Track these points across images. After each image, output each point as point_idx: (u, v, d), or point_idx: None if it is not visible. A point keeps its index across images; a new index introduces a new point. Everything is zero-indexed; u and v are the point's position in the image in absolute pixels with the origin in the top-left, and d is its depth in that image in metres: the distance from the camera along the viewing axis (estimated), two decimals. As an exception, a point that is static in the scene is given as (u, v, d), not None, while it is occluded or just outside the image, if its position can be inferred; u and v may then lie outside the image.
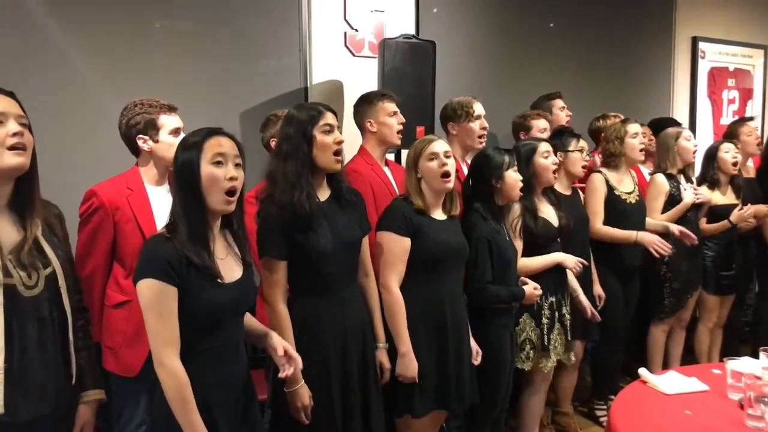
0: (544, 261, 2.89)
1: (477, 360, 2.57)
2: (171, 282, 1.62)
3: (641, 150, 3.50)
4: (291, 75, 3.55)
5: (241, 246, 1.83)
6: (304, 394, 2.04)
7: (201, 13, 3.28)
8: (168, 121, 2.33)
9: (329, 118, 2.11)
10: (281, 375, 1.85)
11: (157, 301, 1.61)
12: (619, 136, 3.44)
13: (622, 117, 3.85)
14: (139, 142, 2.31)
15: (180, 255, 1.63)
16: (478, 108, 3.15)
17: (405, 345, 2.33)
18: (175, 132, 2.33)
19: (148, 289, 1.62)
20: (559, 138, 3.24)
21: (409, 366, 2.33)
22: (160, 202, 2.26)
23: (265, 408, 2.48)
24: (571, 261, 2.90)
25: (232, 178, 1.70)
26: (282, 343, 1.86)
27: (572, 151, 3.18)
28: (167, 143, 2.29)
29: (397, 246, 2.35)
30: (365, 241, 2.31)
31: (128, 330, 2.24)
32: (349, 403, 2.14)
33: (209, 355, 1.71)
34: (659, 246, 3.27)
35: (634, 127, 3.47)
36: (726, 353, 3.86)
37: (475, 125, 3.12)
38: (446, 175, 2.41)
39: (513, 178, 2.71)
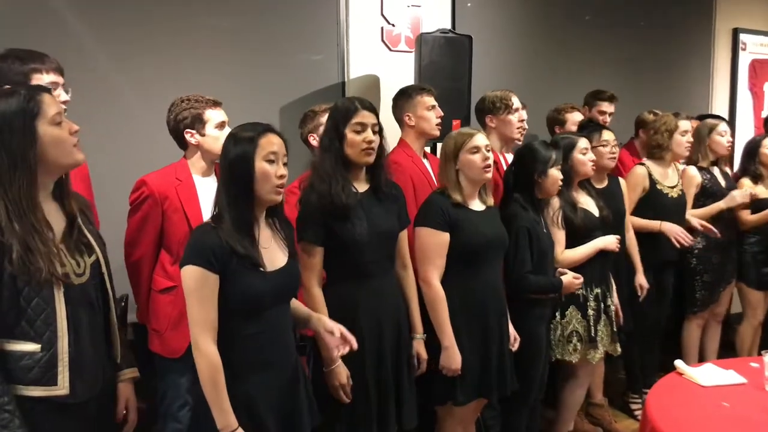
0: (586, 250, 2.90)
1: (515, 346, 2.60)
2: (213, 269, 1.69)
3: (687, 147, 3.48)
4: (328, 70, 3.61)
5: (287, 235, 1.91)
6: (342, 372, 2.11)
7: (240, 9, 3.34)
8: (213, 116, 2.42)
9: (362, 116, 2.16)
10: (337, 354, 1.93)
11: (198, 287, 1.69)
12: (669, 129, 3.42)
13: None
14: (187, 136, 2.41)
15: (224, 244, 1.70)
16: (516, 101, 3.17)
17: (448, 338, 2.37)
18: (221, 125, 2.42)
19: (191, 275, 1.70)
20: (584, 132, 3.24)
21: (453, 359, 2.37)
22: (207, 193, 2.34)
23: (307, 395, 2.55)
24: (611, 241, 2.92)
25: (282, 176, 1.78)
26: (337, 325, 1.93)
27: (596, 146, 3.17)
28: (213, 136, 2.40)
29: (436, 241, 2.39)
30: (404, 233, 2.35)
31: (173, 314, 2.34)
32: (383, 388, 2.20)
33: (251, 340, 1.77)
34: (681, 237, 3.30)
35: (685, 124, 3.47)
36: (764, 348, 3.83)
37: (514, 117, 3.15)
38: (488, 167, 2.45)
39: (555, 175, 2.73)
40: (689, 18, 5.06)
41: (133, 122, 3.05)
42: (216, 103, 2.45)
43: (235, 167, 1.75)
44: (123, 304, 2.43)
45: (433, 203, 2.44)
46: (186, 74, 3.13)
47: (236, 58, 3.32)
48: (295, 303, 2.00)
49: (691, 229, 3.44)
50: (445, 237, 2.39)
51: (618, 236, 2.98)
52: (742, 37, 5.32)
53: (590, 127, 3.27)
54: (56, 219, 1.65)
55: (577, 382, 3.08)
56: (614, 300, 3.06)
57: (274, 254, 1.84)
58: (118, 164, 2.76)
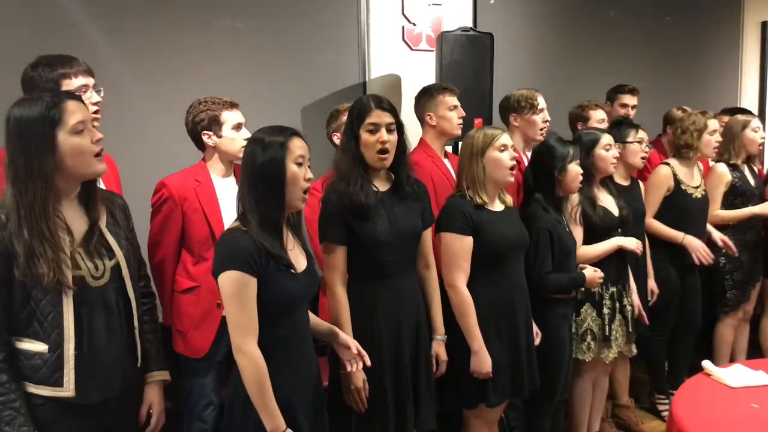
0: (604, 247, 2.86)
1: (537, 340, 2.58)
2: (252, 273, 1.70)
3: (715, 148, 3.43)
4: (350, 69, 3.62)
5: (301, 238, 1.93)
6: (358, 376, 2.09)
7: (259, 11, 3.37)
8: (230, 117, 2.43)
9: (376, 116, 2.13)
10: (349, 370, 1.96)
11: (238, 291, 1.69)
12: (698, 129, 3.35)
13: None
14: (204, 138, 2.43)
15: (258, 246, 1.71)
16: (542, 101, 3.14)
17: (477, 342, 2.35)
18: (237, 127, 2.44)
19: (230, 280, 1.69)
20: (618, 129, 3.20)
21: (484, 363, 2.36)
22: (226, 194, 2.37)
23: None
24: (632, 243, 2.88)
25: (309, 179, 1.81)
26: (353, 341, 1.96)
27: (631, 142, 3.13)
28: (230, 138, 2.42)
29: (460, 245, 2.37)
30: (427, 233, 2.33)
31: (196, 314, 2.36)
32: (400, 388, 2.19)
33: (286, 342, 1.80)
34: (702, 254, 3.27)
35: (713, 123, 3.41)
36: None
37: (539, 118, 3.12)
38: (513, 168, 2.43)
39: (575, 171, 2.70)
40: (717, 12, 4.97)
41: (154, 125, 3.09)
42: (233, 105, 2.47)
43: (266, 171, 1.76)
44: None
45: (454, 207, 2.42)
46: (206, 76, 3.16)
47: (257, 60, 3.35)
48: (312, 317, 2.01)
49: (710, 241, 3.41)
50: (469, 241, 2.38)
51: (638, 240, 2.93)
52: (772, 30, 5.22)
53: (625, 124, 3.23)
54: (78, 222, 1.67)
55: (583, 379, 3.03)
56: (634, 300, 3.02)
57: (297, 256, 1.86)
58: (140, 168, 2.78)
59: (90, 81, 2.15)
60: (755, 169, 3.64)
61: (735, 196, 3.50)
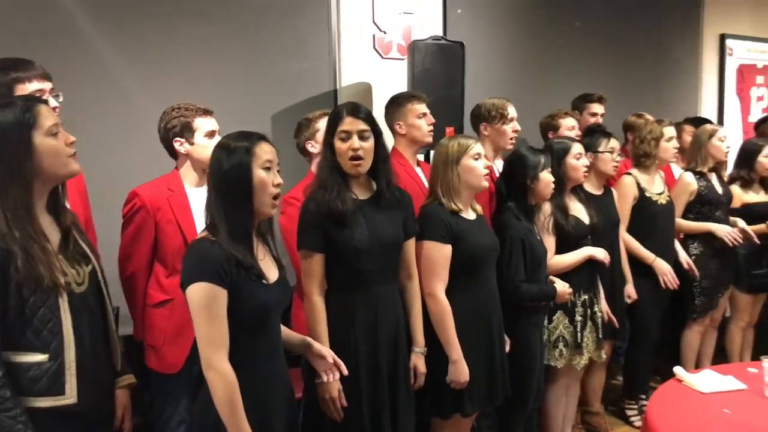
0: (575, 257, 2.90)
1: (507, 348, 2.59)
2: (222, 284, 1.64)
3: (674, 154, 3.50)
4: (320, 77, 3.58)
5: (272, 248, 1.89)
6: (333, 386, 2.06)
7: (229, 17, 3.31)
8: (203, 124, 2.38)
9: (347, 124, 2.12)
10: (325, 380, 1.93)
11: (208, 304, 1.64)
12: (655, 137, 3.42)
13: (651, 118, 3.86)
14: (176, 145, 2.38)
15: (228, 256, 1.66)
16: (512, 110, 3.16)
17: (456, 352, 2.35)
18: (210, 134, 2.39)
19: (198, 292, 1.64)
20: (590, 137, 3.24)
21: (462, 372, 2.35)
22: (200, 203, 2.26)
23: (300, 406, 2.52)
24: (601, 253, 2.92)
25: (278, 185, 1.77)
26: (328, 351, 1.93)
27: (602, 151, 3.18)
28: (202, 145, 2.36)
29: (440, 254, 2.37)
30: (411, 242, 2.31)
31: (169, 328, 2.30)
32: (378, 402, 2.16)
33: (259, 354, 1.75)
34: (669, 279, 3.37)
35: (670, 131, 3.47)
36: (757, 352, 3.85)
37: (509, 127, 3.14)
38: (488, 175, 2.46)
39: (547, 179, 2.73)
40: (677, 24, 5.10)
41: (120, 133, 3.01)
42: (206, 112, 2.42)
43: (232, 178, 1.72)
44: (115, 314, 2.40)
45: (433, 215, 2.41)
46: (173, 83, 3.09)
47: (227, 67, 3.29)
48: (283, 329, 1.97)
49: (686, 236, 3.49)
50: (449, 249, 2.38)
51: (606, 251, 2.97)
52: (729, 42, 5.38)
53: (598, 133, 3.27)
54: (52, 231, 1.65)
55: (558, 386, 3.06)
56: (602, 307, 3.06)
57: (268, 266, 1.82)
58: (106, 178, 2.71)
59: (47, 85, 2.10)
60: (723, 177, 3.72)
61: (702, 204, 3.57)
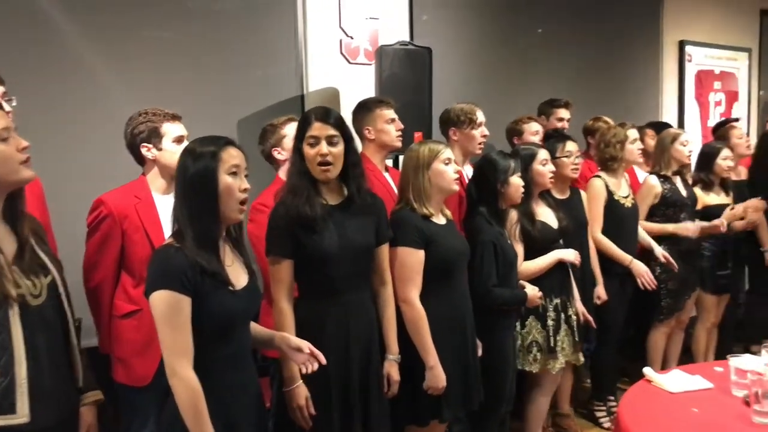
0: (544, 262, 2.92)
1: (479, 352, 2.59)
2: (185, 292, 1.62)
3: (639, 155, 3.56)
4: (287, 83, 3.55)
5: (242, 253, 1.86)
6: (300, 393, 2.05)
7: (196, 22, 3.27)
8: (171, 129, 2.34)
9: (315, 129, 2.10)
10: (304, 372, 1.86)
11: (171, 312, 1.62)
12: (620, 141, 3.47)
13: (611, 121, 3.92)
14: (143, 151, 2.32)
15: (192, 263, 1.64)
16: (480, 115, 3.17)
17: (433, 358, 2.33)
18: (179, 140, 2.34)
19: (161, 300, 1.62)
20: (548, 143, 3.27)
21: (439, 378, 2.34)
22: (167, 211, 2.21)
23: (269, 416, 2.48)
24: (571, 255, 2.95)
25: (245, 190, 1.74)
26: (303, 341, 1.87)
27: (558, 157, 3.20)
28: (170, 151, 2.31)
29: (414, 259, 2.36)
30: (384, 248, 2.30)
31: (138, 339, 2.23)
32: (349, 410, 2.14)
33: (225, 362, 1.72)
34: (647, 280, 3.41)
35: (633, 133, 3.53)
36: (720, 352, 3.93)
37: (477, 132, 3.15)
38: (458, 179, 2.47)
39: (517, 183, 2.75)
40: (638, 31, 5.21)
41: (87, 139, 2.94)
42: (175, 117, 2.38)
43: (197, 183, 1.69)
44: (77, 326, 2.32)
45: (406, 221, 2.40)
46: (137, 88, 3.04)
47: (192, 71, 3.24)
48: (254, 324, 1.94)
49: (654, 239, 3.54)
50: (422, 254, 2.37)
51: (576, 251, 3.00)
52: (688, 49, 5.51)
53: (555, 138, 3.30)
54: (7, 241, 1.58)
55: (540, 391, 3.08)
56: (578, 308, 3.08)
57: (237, 272, 1.79)
58: (72, 184, 2.64)
59: None
60: (688, 180, 3.79)
61: (667, 206, 3.63)
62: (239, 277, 1.78)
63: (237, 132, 3.35)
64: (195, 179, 1.69)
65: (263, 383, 2.44)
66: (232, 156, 1.72)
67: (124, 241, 2.25)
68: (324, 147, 2.09)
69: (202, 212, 1.69)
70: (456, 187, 2.49)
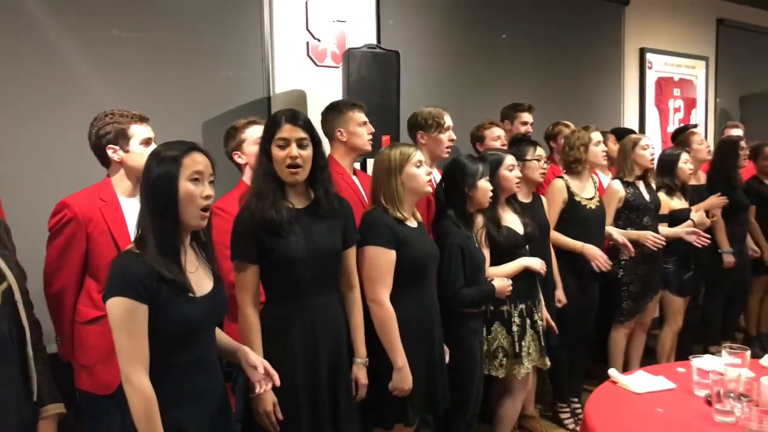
0: (510, 268, 2.93)
1: (446, 358, 2.59)
2: (141, 299, 1.61)
3: (603, 156, 3.60)
4: (253, 84, 3.52)
5: (210, 259, 1.83)
6: (267, 399, 2.02)
7: (160, 23, 3.21)
8: (139, 131, 2.29)
9: (286, 131, 2.08)
10: (257, 392, 1.88)
11: (126, 319, 1.60)
12: (584, 143, 3.52)
13: (571, 125, 3.98)
14: (109, 152, 2.27)
15: (150, 270, 1.62)
16: (448, 119, 3.19)
17: (401, 359, 2.33)
18: (146, 142, 2.29)
19: (117, 307, 1.61)
20: (517, 147, 3.30)
21: (406, 380, 2.33)
22: (134, 214, 2.16)
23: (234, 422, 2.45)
24: (537, 263, 2.96)
25: (207, 197, 1.71)
26: (261, 360, 1.88)
27: (530, 160, 3.24)
28: (137, 153, 2.26)
29: (385, 259, 2.35)
30: (351, 252, 2.28)
31: (103, 346, 2.16)
32: (317, 415, 2.12)
33: (184, 370, 1.70)
34: (601, 262, 3.40)
35: (596, 135, 3.57)
36: (681, 353, 4.01)
37: (445, 136, 3.16)
38: (430, 181, 2.48)
39: (485, 187, 2.77)
40: (600, 38, 5.31)
41: (49, 141, 2.87)
42: (142, 119, 2.33)
43: (158, 188, 1.68)
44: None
45: (378, 221, 2.40)
46: (100, 89, 2.98)
47: (157, 73, 3.19)
48: (220, 334, 1.93)
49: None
50: (393, 255, 2.36)
51: (542, 260, 3.02)
52: (649, 56, 5.63)
53: (524, 142, 3.32)
54: None
55: (512, 397, 3.09)
56: (543, 314, 3.11)
57: (200, 279, 1.76)
58: (31, 186, 2.57)
59: None
60: (651, 184, 3.85)
61: (630, 210, 3.69)
62: (202, 284, 1.76)
63: (202, 134, 3.30)
64: (156, 184, 1.68)
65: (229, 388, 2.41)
66: (195, 162, 1.70)
67: (89, 244, 2.19)
68: (294, 149, 2.07)
69: (163, 218, 1.67)
70: (429, 189, 2.50)
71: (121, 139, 2.26)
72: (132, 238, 2.10)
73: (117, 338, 1.61)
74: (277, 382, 1.86)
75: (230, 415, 1.90)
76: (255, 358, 1.88)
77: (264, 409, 2.02)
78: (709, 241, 3.69)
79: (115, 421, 2.15)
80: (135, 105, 2.42)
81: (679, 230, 3.69)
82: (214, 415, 1.78)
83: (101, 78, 3.01)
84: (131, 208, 2.25)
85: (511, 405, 3.11)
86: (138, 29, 3.14)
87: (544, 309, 3.13)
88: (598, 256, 3.40)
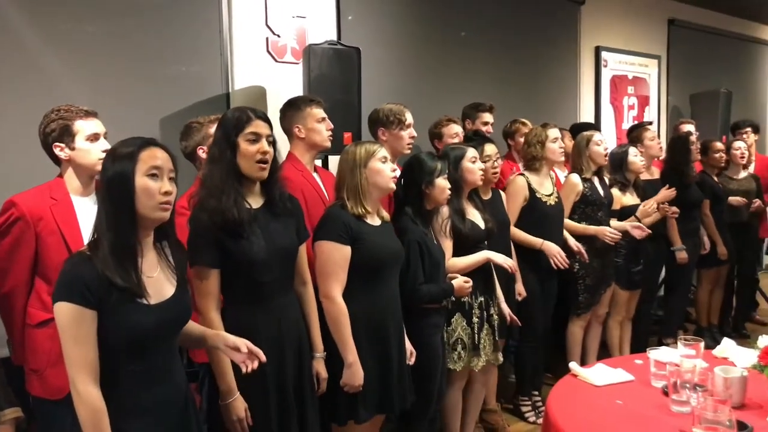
0: (473, 259, 2.95)
1: (411, 360, 2.60)
2: (88, 305, 1.55)
3: (561, 153, 3.65)
4: (212, 81, 3.45)
5: (177, 262, 1.77)
6: (239, 406, 2.00)
7: (117, 17, 3.12)
8: (84, 127, 2.21)
9: (257, 126, 2.05)
10: (245, 371, 1.79)
11: (72, 325, 1.54)
12: (541, 140, 3.57)
13: (529, 123, 4.04)
14: (56, 150, 2.20)
15: (100, 275, 1.56)
16: (409, 116, 3.19)
17: (352, 355, 2.32)
18: (93, 137, 2.22)
19: (63, 312, 1.55)
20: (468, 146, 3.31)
21: (356, 376, 2.32)
22: (87, 214, 2.13)
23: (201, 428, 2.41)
24: (500, 258, 2.98)
25: (167, 192, 1.65)
26: (242, 341, 1.79)
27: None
28: (84, 149, 2.20)
29: (338, 255, 2.34)
30: (302, 248, 2.28)
31: (55, 349, 2.05)
32: (285, 414, 2.11)
33: (135, 380, 1.64)
34: (559, 259, 3.45)
35: (554, 132, 3.62)
36: (636, 345, 4.11)
37: (406, 133, 3.17)
38: (395, 178, 2.47)
39: (442, 185, 2.77)
40: (557, 36, 5.39)
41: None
42: (88, 113, 2.25)
43: (113, 185, 1.61)
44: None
45: (334, 216, 2.39)
46: (59, 86, 2.88)
47: (113, 69, 3.10)
48: (189, 324, 1.84)
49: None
50: (347, 250, 2.35)
51: (505, 256, 3.03)
52: (604, 54, 5.74)
53: (475, 141, 3.34)
54: None
55: (453, 388, 3.10)
56: (504, 309, 3.14)
57: (160, 283, 1.69)
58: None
59: None
60: (606, 180, 3.93)
61: (586, 204, 3.76)
62: (162, 289, 1.69)
63: (160, 131, 3.23)
64: (112, 181, 1.62)
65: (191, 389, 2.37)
66: (152, 157, 1.64)
67: (39, 245, 2.12)
68: (265, 144, 2.05)
69: (119, 217, 1.60)
70: (393, 186, 2.49)
71: (66, 136, 2.18)
72: (84, 239, 2.05)
73: (64, 344, 1.56)
74: (263, 358, 1.79)
75: (192, 424, 1.81)
76: (235, 339, 1.79)
77: (237, 416, 1.99)
78: (650, 231, 3.78)
79: (66, 426, 2.10)
80: (90, 101, 2.35)
81: (626, 224, 3.78)
82: (176, 425, 1.73)
83: (54, 73, 2.91)
84: (84, 208, 2.18)
85: (455, 395, 3.12)
86: (93, 24, 3.05)
87: (503, 304, 3.16)
88: (556, 254, 3.45)
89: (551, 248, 3.46)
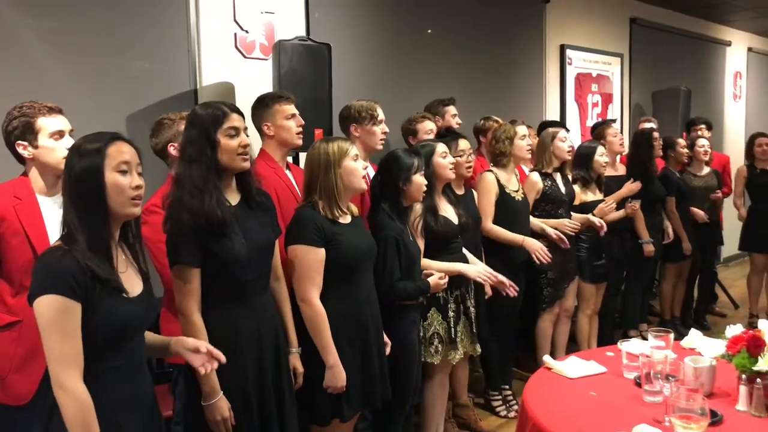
0: (445, 267, 2.92)
1: (387, 350, 2.59)
2: (75, 297, 1.51)
3: (528, 150, 3.69)
4: (179, 77, 3.40)
5: (137, 258, 1.74)
6: (223, 406, 1.97)
7: (83, 11, 3.05)
8: (47, 124, 2.15)
9: (234, 120, 2.02)
10: (204, 373, 1.77)
11: (59, 318, 1.50)
12: (509, 137, 3.60)
13: (501, 120, 4.07)
14: (19, 149, 2.13)
15: (83, 268, 1.53)
16: (381, 112, 3.18)
17: (333, 357, 2.30)
18: (58, 135, 2.16)
19: (49, 306, 1.50)
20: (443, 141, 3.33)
21: (338, 377, 2.31)
22: (52, 213, 2.08)
23: (172, 426, 2.37)
24: (473, 273, 2.98)
25: (138, 187, 1.63)
26: (201, 342, 1.78)
27: (453, 156, 3.25)
28: (48, 147, 2.13)
29: (313, 258, 2.31)
30: (276, 244, 2.26)
31: (17, 353, 2.04)
32: (266, 410, 2.10)
33: (116, 374, 1.62)
34: (541, 254, 3.50)
35: (522, 129, 3.66)
36: (602, 338, 4.19)
37: (378, 129, 3.15)
38: (365, 177, 2.46)
39: (419, 181, 2.77)
40: (523, 34, 5.44)
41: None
42: (52, 110, 2.18)
43: (82, 182, 1.58)
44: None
45: (306, 219, 2.35)
46: (23, 83, 2.80)
47: (79, 65, 3.03)
48: (147, 333, 1.84)
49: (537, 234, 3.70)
50: (322, 253, 2.33)
51: (478, 269, 3.03)
52: (569, 52, 5.82)
53: (448, 137, 3.35)
54: None
55: (433, 382, 3.12)
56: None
57: (131, 279, 1.68)
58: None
59: None
60: (568, 176, 3.98)
61: (546, 202, 3.82)
62: (133, 285, 1.68)
63: (126, 127, 3.16)
64: (80, 178, 1.58)
65: (161, 391, 2.33)
66: (120, 152, 1.61)
67: (2, 246, 2.05)
68: (245, 138, 2.04)
69: (91, 214, 1.58)
70: (364, 186, 2.47)
71: (29, 133, 2.11)
72: (51, 239, 2.00)
73: (48, 340, 1.51)
74: (223, 359, 1.77)
75: (161, 421, 1.82)
76: (193, 342, 1.78)
77: (222, 415, 1.96)
78: (605, 228, 3.86)
79: (32, 432, 2.06)
80: (54, 97, 2.29)
81: (588, 216, 3.84)
82: (147, 422, 1.71)
83: (18, 69, 2.83)
84: (50, 208, 2.12)
85: (437, 390, 3.13)
86: (57, 18, 2.97)
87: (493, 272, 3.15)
88: (538, 249, 3.51)
89: (533, 244, 3.51)
